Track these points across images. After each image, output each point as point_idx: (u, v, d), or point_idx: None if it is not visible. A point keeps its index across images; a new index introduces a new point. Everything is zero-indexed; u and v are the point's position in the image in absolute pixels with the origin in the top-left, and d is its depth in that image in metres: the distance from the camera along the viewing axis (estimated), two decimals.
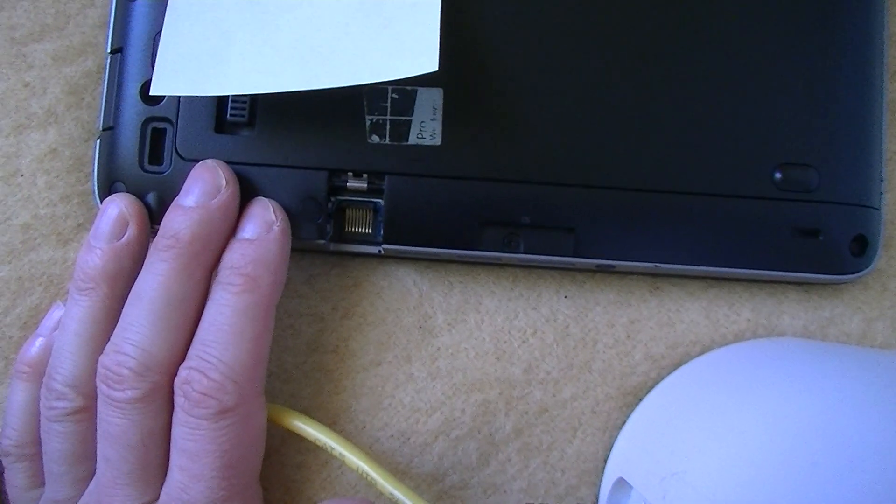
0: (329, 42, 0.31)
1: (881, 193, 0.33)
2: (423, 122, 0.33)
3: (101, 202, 0.32)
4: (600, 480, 0.34)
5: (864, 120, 0.33)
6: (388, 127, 0.33)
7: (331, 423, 0.34)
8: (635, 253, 0.33)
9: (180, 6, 0.31)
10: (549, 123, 0.33)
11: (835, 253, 0.33)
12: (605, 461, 0.34)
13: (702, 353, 0.35)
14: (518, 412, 0.35)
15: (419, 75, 0.29)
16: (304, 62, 0.31)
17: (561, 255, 0.33)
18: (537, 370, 0.35)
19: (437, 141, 0.33)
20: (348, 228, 0.34)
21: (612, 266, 0.34)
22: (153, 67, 0.31)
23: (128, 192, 0.32)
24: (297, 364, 0.35)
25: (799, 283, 0.35)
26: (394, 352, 0.35)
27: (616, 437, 0.34)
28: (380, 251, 0.34)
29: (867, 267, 0.33)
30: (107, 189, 0.32)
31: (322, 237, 0.33)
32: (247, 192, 0.32)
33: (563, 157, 0.33)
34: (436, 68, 0.29)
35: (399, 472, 0.34)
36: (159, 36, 0.31)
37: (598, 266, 0.34)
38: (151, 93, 0.31)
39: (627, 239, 0.33)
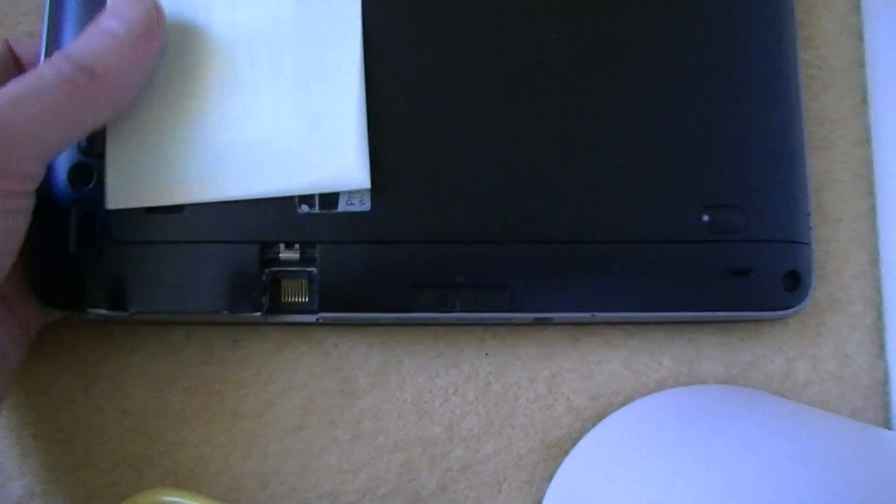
0: (262, 152, 0.32)
1: (809, 228, 0.33)
2: (351, 189, 0.32)
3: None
4: None
5: (788, 155, 0.34)
6: (316, 196, 0.32)
7: (262, 486, 0.33)
8: (571, 304, 0.33)
9: (119, 130, 0.32)
10: (474, 183, 0.33)
11: (769, 290, 0.33)
12: None
13: (624, 403, 0.34)
14: (441, 469, 0.34)
15: None
16: (241, 171, 0.32)
17: (497, 311, 0.33)
18: (459, 427, 0.34)
19: (367, 207, 0.32)
20: (285, 299, 0.33)
21: (550, 318, 0.33)
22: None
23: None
24: (224, 430, 0.33)
25: (721, 325, 0.35)
26: (317, 415, 0.34)
27: (543, 490, 0.33)
28: (318, 320, 0.33)
29: (802, 301, 0.33)
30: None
31: (258, 310, 0.32)
32: (180, 269, 0.32)
33: (492, 215, 0.33)
34: (368, 186, 0.32)
35: None
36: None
37: (535, 319, 0.34)
38: (108, 207, 0.31)
39: (562, 290, 0.33)
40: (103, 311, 0.31)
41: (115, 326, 0.34)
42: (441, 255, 0.33)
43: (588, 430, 0.34)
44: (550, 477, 0.33)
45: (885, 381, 0.34)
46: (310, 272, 0.33)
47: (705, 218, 0.33)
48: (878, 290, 0.34)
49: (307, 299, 0.33)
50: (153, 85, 0.32)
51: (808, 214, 0.33)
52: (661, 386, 0.34)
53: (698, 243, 0.33)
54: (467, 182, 0.33)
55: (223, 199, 0.31)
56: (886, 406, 0.34)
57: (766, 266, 0.33)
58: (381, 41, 0.33)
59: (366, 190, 0.32)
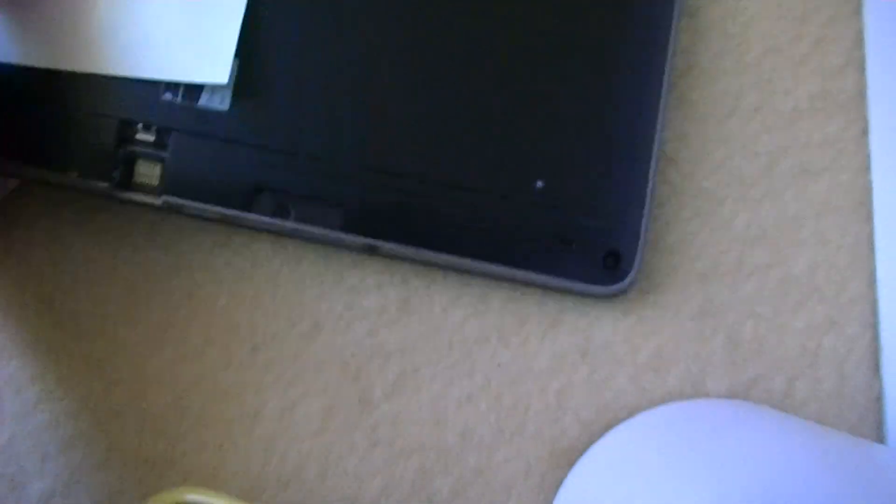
0: (139, 34, 0.33)
1: (642, 216, 0.33)
2: (215, 87, 0.33)
3: None
4: None
5: (635, 143, 0.34)
6: (181, 88, 0.34)
7: (283, 488, 0.35)
8: (400, 235, 0.33)
9: None
10: (331, 104, 0.33)
11: (588, 265, 0.33)
12: None
13: (630, 415, 0.34)
14: (454, 475, 0.34)
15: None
16: (114, 50, 0.33)
17: (329, 228, 0.33)
18: (472, 435, 0.34)
19: (226, 107, 0.33)
20: (136, 179, 0.34)
21: (378, 247, 0.33)
22: None
23: None
24: (244, 432, 0.35)
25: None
26: (335, 421, 0.35)
27: (552, 498, 0.34)
28: (162, 203, 0.33)
29: (621, 281, 0.33)
30: None
31: (108, 181, 0.33)
32: (44, 133, 0.34)
33: (341, 137, 0.33)
34: (224, 82, 0.32)
35: None
36: None
37: (364, 244, 0.33)
38: None
39: (393, 221, 0.33)
40: None
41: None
42: (286, 164, 0.33)
43: (595, 441, 0.34)
44: (559, 484, 0.34)
45: (880, 399, 0.34)
46: (162, 157, 0.34)
47: (539, 184, 0.33)
48: (874, 313, 0.35)
49: (156, 183, 0.34)
50: None
51: (643, 203, 0.33)
52: (666, 400, 0.34)
53: (528, 205, 0.33)
54: (324, 102, 0.33)
55: (87, 72, 0.32)
56: (880, 423, 0.34)
57: (589, 240, 0.33)
58: None
59: (227, 90, 0.33)
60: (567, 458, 0.34)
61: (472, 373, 0.34)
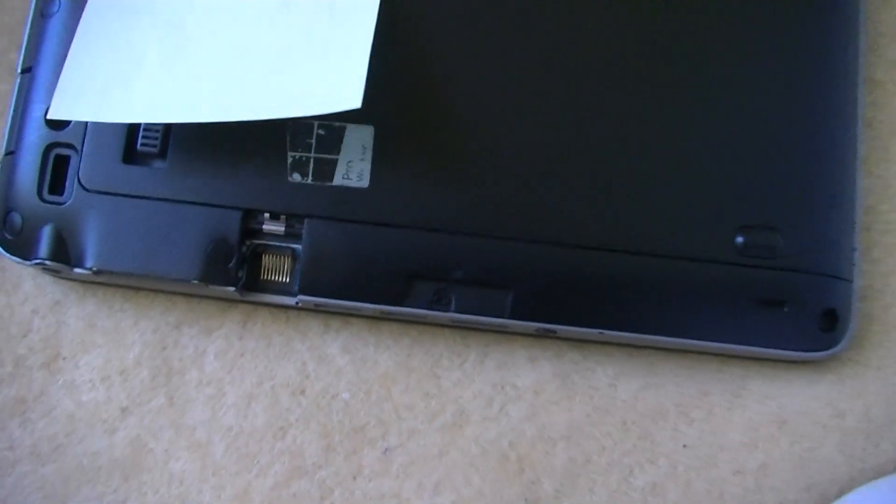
0: (249, 73, 0.28)
1: (853, 264, 0.29)
2: (350, 161, 0.29)
3: None
4: None
5: (836, 183, 0.30)
6: (311, 165, 0.29)
7: None
8: (579, 317, 0.29)
9: (92, 25, 0.29)
10: (490, 170, 0.29)
11: (802, 327, 0.29)
12: None
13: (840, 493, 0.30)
14: None
15: (347, 112, 0.26)
16: (220, 92, 0.28)
17: (496, 317, 0.28)
18: None
19: (365, 183, 0.29)
20: (264, 276, 0.29)
21: (554, 331, 0.29)
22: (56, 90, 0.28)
23: (23, 222, 0.28)
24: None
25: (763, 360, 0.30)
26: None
27: None
28: (297, 303, 0.29)
29: (838, 343, 0.29)
30: (2, 219, 0.29)
31: (232, 284, 0.28)
32: (153, 228, 0.28)
33: (505, 208, 0.29)
34: (358, 105, 0.26)
35: None
36: (67, 62, 0.28)
37: (537, 330, 0.29)
38: (49, 116, 0.28)
39: (570, 301, 0.29)
40: (57, 262, 0.29)
41: None
42: (441, 244, 0.29)
43: None
44: None
45: None
46: (294, 249, 0.29)
47: (739, 240, 0.29)
48: None
49: (287, 279, 0.29)
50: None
51: (854, 249, 0.30)
52: (882, 471, 0.30)
53: (728, 265, 0.29)
54: (481, 168, 0.29)
55: (191, 122, 0.27)
56: None
57: (802, 300, 0.29)
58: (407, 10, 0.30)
59: (366, 163, 0.29)
60: None
61: (654, 457, 0.30)
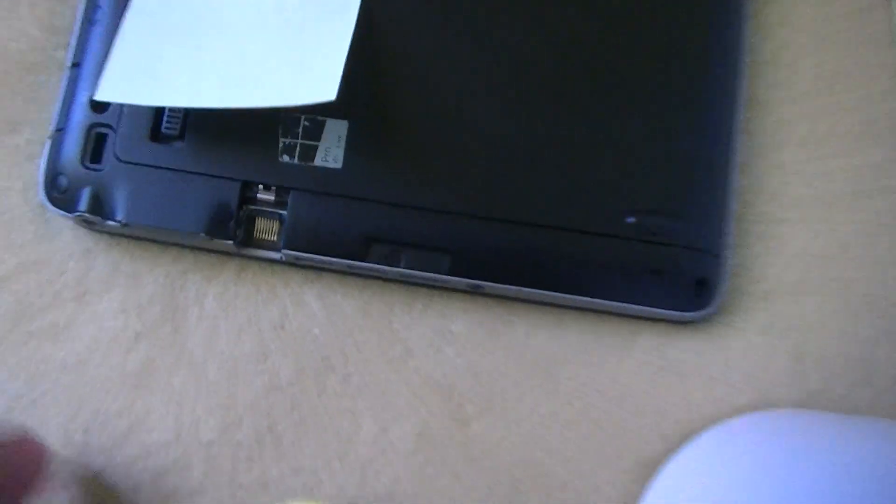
0: (247, 69, 0.35)
1: (725, 245, 0.36)
2: (328, 147, 0.36)
3: (45, 193, 0.35)
4: None
5: (715, 179, 0.36)
6: (297, 149, 0.36)
7: None
8: (501, 276, 0.35)
9: (130, 29, 0.35)
10: (433, 160, 0.36)
11: (678, 292, 0.35)
12: None
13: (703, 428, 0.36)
14: (544, 490, 0.36)
15: (327, 106, 0.32)
16: (224, 85, 0.34)
17: (436, 273, 0.35)
18: (558, 450, 0.36)
19: (339, 165, 0.35)
20: (256, 236, 0.36)
21: (482, 287, 0.35)
22: (100, 78, 0.35)
23: (68, 184, 0.35)
24: (338, 456, 0.37)
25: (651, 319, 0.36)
26: (429, 441, 0.37)
27: None
28: (281, 258, 0.35)
29: (708, 306, 0.35)
30: (51, 181, 0.36)
31: (231, 239, 0.35)
32: (171, 192, 0.35)
33: (444, 189, 0.35)
34: (333, 98, 0.32)
35: None
36: (108, 57, 0.35)
37: (468, 286, 0.35)
38: (95, 98, 0.34)
39: (495, 263, 0.35)
40: (94, 215, 0.35)
41: None
42: (395, 216, 0.35)
43: (675, 451, 0.35)
44: (642, 494, 0.35)
45: None
46: (281, 214, 0.36)
47: (631, 219, 0.35)
48: None
49: (275, 238, 0.36)
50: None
51: (728, 234, 0.36)
52: (740, 412, 0.36)
53: (622, 239, 0.35)
54: (429, 158, 0.36)
55: (200, 107, 0.33)
56: None
57: (681, 270, 0.35)
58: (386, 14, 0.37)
59: (339, 149, 0.36)
60: (649, 469, 0.35)
61: (556, 392, 0.36)
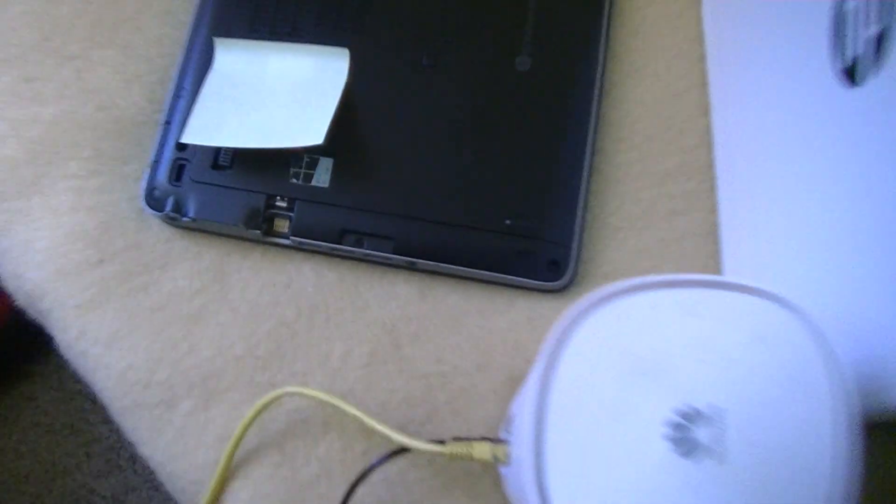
0: (272, 122, 0.55)
1: (573, 239, 0.51)
2: (320, 174, 0.55)
3: (145, 201, 0.57)
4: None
5: (570, 192, 0.52)
6: (301, 174, 0.56)
7: (344, 397, 0.54)
8: (428, 256, 0.53)
9: (205, 99, 0.56)
10: (387, 181, 0.55)
11: (540, 270, 0.52)
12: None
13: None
14: (446, 392, 0.52)
15: (319, 147, 0.54)
16: (257, 132, 0.55)
17: (386, 253, 0.54)
18: (456, 368, 0.53)
19: (327, 185, 0.55)
20: (274, 229, 0.56)
21: (415, 263, 0.54)
22: (184, 129, 0.56)
23: (160, 194, 0.57)
24: (318, 367, 0.58)
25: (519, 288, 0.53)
26: (377, 359, 0.54)
27: (508, 401, 0.47)
28: (290, 243, 0.55)
29: (559, 280, 0.51)
30: (149, 192, 0.57)
31: (259, 229, 0.55)
32: (224, 202, 0.56)
33: (393, 199, 0.54)
34: (321, 142, 0.52)
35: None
36: (189, 117, 0.58)
37: (406, 262, 0.55)
38: (180, 140, 0.56)
39: (424, 247, 0.53)
40: (175, 214, 0.56)
41: None
42: (361, 216, 0.55)
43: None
44: (511, 398, 0.51)
45: None
46: (290, 216, 0.56)
47: (508, 221, 0.52)
48: None
49: (287, 231, 0.56)
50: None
51: (574, 231, 0.52)
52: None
53: (502, 234, 0.52)
54: (383, 180, 0.55)
55: (238, 146, 0.53)
56: None
57: (541, 254, 0.51)
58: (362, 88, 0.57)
59: (328, 175, 0.56)
60: (515, 382, 0.49)
61: (459, 332, 0.52)
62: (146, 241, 0.56)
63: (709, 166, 0.53)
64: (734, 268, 0.49)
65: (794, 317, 0.33)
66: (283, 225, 0.56)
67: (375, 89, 0.57)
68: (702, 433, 0.31)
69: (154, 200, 0.55)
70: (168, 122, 0.56)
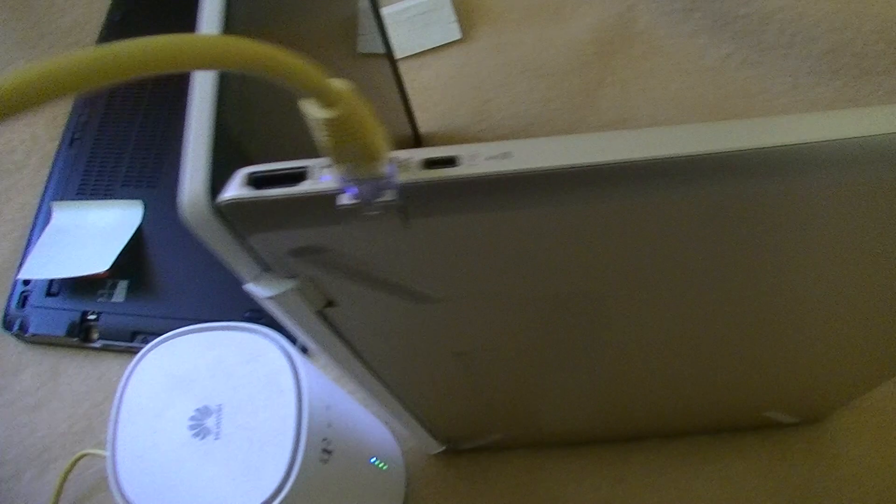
0: (78, 256, 0.79)
1: None
2: (119, 293, 0.78)
3: (2, 324, 0.79)
4: None
5: None
6: (105, 293, 0.78)
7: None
8: None
9: (41, 245, 0.79)
10: (167, 294, 0.77)
11: None
12: None
13: None
14: None
15: (109, 272, 0.75)
16: (65, 267, 0.79)
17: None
18: None
19: (122, 300, 0.77)
20: (90, 336, 0.77)
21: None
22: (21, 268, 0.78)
23: (10, 319, 0.79)
24: None
25: None
26: None
27: None
28: (99, 345, 0.75)
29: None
30: (4, 318, 0.79)
31: (77, 336, 0.75)
32: (54, 318, 0.77)
33: (169, 307, 0.76)
34: (106, 268, 0.76)
35: None
36: (25, 259, 0.81)
37: None
38: (18, 277, 0.78)
39: None
40: (19, 332, 0.76)
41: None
42: (147, 321, 0.75)
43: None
44: None
45: None
46: (97, 322, 0.78)
47: None
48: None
49: (96, 337, 0.78)
50: None
51: None
52: None
53: None
54: (163, 294, 0.77)
55: (61, 277, 0.75)
56: None
57: None
58: None
59: (123, 290, 0.78)
60: None
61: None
62: (5, 354, 0.77)
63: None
64: None
65: (274, 345, 0.49)
66: (95, 332, 0.74)
67: (165, 228, 0.76)
68: (209, 421, 0.49)
69: (6, 323, 0.76)
70: (21, 266, 0.77)
